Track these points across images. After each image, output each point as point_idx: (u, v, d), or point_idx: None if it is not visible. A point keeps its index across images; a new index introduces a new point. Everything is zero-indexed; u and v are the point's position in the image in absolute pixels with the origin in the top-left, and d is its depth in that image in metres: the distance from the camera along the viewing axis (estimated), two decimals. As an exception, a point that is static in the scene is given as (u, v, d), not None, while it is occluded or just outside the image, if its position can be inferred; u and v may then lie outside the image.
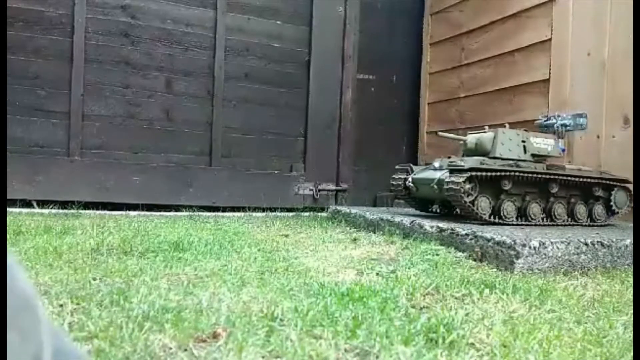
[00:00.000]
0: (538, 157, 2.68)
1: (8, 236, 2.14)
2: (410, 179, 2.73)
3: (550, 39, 3.35)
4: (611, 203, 2.64)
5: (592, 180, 2.58)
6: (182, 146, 3.75)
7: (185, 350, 1.03)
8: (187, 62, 3.76)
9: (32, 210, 3.19)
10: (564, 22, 3.27)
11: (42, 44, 3.38)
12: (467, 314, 1.31)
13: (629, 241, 2.07)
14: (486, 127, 2.69)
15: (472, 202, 2.38)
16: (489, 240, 2.00)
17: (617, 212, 2.67)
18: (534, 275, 1.83)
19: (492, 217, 2.43)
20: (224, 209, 3.76)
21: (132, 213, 3.31)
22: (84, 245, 2.03)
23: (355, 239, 2.51)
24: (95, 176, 3.47)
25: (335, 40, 4.19)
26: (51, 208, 3.22)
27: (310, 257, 2.04)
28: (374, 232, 2.71)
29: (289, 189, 4.03)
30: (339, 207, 3.42)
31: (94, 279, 1.52)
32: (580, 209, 2.62)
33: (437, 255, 2.05)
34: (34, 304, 0.46)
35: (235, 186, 3.84)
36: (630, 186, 2.68)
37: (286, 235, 2.62)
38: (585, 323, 1.32)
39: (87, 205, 3.34)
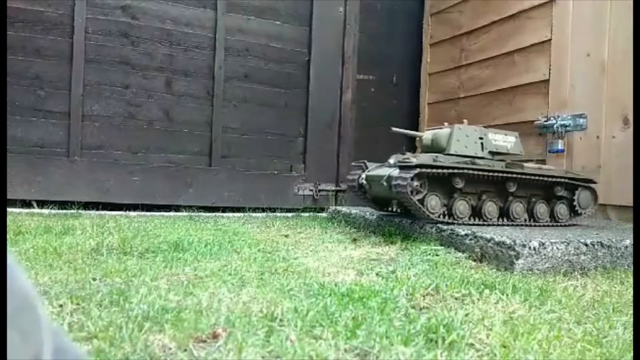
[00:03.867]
0: (498, 155, 2.59)
1: (7, 236, 2.14)
2: (363, 177, 2.63)
3: (550, 40, 3.36)
4: (574, 203, 2.56)
5: (551, 180, 2.49)
6: (181, 146, 3.75)
7: (185, 350, 1.03)
8: (187, 62, 3.76)
9: (32, 210, 3.19)
10: (564, 22, 3.27)
11: (42, 44, 3.38)
12: (467, 315, 1.31)
13: (628, 241, 2.07)
14: (445, 124, 2.61)
15: (421, 201, 2.30)
16: (488, 241, 2.00)
17: (581, 213, 2.59)
18: (533, 276, 1.83)
19: (444, 216, 2.34)
20: (224, 209, 3.76)
21: (132, 213, 3.31)
22: (83, 245, 2.03)
23: (355, 240, 2.51)
24: (95, 176, 3.46)
25: (335, 40, 4.19)
26: (51, 208, 3.22)
27: (310, 257, 2.04)
28: (374, 233, 2.71)
29: (289, 189, 4.03)
30: (338, 208, 3.42)
31: (94, 279, 1.52)
32: (541, 209, 2.52)
33: (437, 255, 2.05)
34: (34, 304, 0.46)
35: (235, 186, 3.84)
36: (596, 187, 2.63)
37: (286, 236, 2.62)
38: (585, 323, 1.32)
39: (87, 206, 3.33)
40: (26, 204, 3.27)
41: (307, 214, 3.75)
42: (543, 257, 1.90)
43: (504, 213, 2.47)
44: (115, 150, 3.58)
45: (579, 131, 3.15)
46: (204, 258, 1.92)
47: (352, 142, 4.29)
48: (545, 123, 3.30)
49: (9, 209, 3.07)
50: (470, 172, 2.32)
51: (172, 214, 3.44)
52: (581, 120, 3.13)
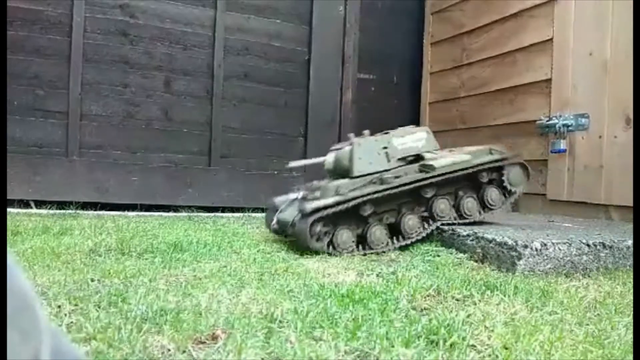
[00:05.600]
0: (411, 158, 2.32)
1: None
2: (275, 221, 2.35)
3: (551, 39, 3.35)
4: (505, 184, 2.37)
5: (464, 172, 2.27)
6: (181, 146, 3.74)
7: (184, 351, 1.02)
8: (186, 61, 3.75)
9: (30, 210, 3.18)
10: (566, 22, 3.26)
11: (40, 44, 3.37)
12: (468, 316, 1.30)
13: (630, 242, 2.06)
14: (351, 135, 2.34)
15: (329, 243, 2.10)
16: (490, 242, 1.99)
17: (514, 192, 2.38)
18: (535, 277, 1.82)
19: (358, 247, 2.14)
20: (223, 210, 3.74)
21: (131, 213, 3.30)
22: (82, 245, 2.02)
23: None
24: (93, 176, 3.45)
25: (335, 40, 4.18)
26: (49, 208, 3.21)
27: (310, 258, 2.03)
28: (374, 233, 2.69)
29: (289, 189, 4.01)
30: (338, 208, 3.40)
31: (92, 280, 1.51)
32: (468, 203, 2.33)
33: (438, 256, 2.05)
34: (33, 304, 0.46)
35: (235, 186, 3.83)
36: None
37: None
38: (587, 325, 1.32)
39: (85, 206, 3.32)
40: (24, 204, 3.26)
41: (307, 214, 3.73)
42: (545, 257, 1.89)
43: (430, 216, 2.27)
44: (114, 150, 3.57)
45: (581, 131, 3.14)
46: (203, 259, 1.91)
47: (352, 142, 4.28)
48: (547, 123, 3.29)
49: (7, 209, 3.06)
50: (375, 196, 2.11)
51: (171, 214, 3.43)
52: (583, 120, 3.12)
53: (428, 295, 1.49)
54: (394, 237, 2.21)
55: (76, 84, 3.44)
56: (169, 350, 1.02)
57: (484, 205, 2.38)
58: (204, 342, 1.06)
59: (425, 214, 2.28)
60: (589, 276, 1.89)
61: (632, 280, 1.81)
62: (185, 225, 2.75)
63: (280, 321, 1.19)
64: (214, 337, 1.08)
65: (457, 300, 1.47)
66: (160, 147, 3.69)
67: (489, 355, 1.07)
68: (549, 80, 3.36)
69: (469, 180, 2.36)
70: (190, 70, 3.76)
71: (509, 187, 2.37)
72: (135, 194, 3.55)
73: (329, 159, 2.39)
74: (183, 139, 3.75)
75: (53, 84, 3.40)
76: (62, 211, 3.14)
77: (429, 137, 2.38)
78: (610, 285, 1.75)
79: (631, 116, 2.84)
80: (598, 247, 1.99)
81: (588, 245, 1.97)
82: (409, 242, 2.20)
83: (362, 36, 4.30)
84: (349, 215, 2.14)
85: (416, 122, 4.66)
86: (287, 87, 4.05)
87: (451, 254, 2.07)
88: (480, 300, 1.46)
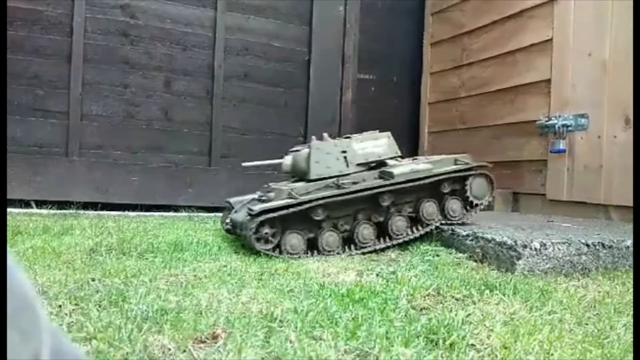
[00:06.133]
0: (373, 164, 2.25)
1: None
2: (229, 221, 2.27)
3: (551, 39, 3.35)
4: (467, 195, 2.28)
5: (424, 181, 2.19)
6: (181, 146, 3.74)
7: (184, 351, 1.03)
8: (186, 61, 3.75)
9: (31, 210, 3.18)
10: (565, 22, 3.26)
11: (40, 44, 3.37)
12: (467, 315, 1.31)
13: (630, 242, 2.06)
14: (313, 137, 2.30)
15: (276, 247, 2.04)
16: (489, 241, 1.99)
17: (478, 205, 2.30)
18: (534, 277, 1.82)
19: (308, 252, 2.07)
20: (223, 210, 3.74)
21: (131, 213, 3.30)
22: (82, 245, 2.03)
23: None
24: (93, 176, 3.45)
25: (335, 40, 4.18)
26: (49, 208, 3.21)
27: (310, 258, 2.03)
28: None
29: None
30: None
31: (93, 280, 1.51)
32: (429, 209, 2.23)
33: (438, 256, 2.05)
34: (34, 304, 0.46)
35: (235, 186, 3.83)
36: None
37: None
38: (586, 324, 1.32)
39: (86, 206, 3.32)
40: (25, 203, 3.26)
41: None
42: (544, 257, 1.89)
43: (384, 226, 2.20)
44: (115, 150, 3.57)
45: (581, 131, 3.14)
46: (203, 258, 1.91)
47: (352, 142, 4.28)
48: (546, 123, 3.29)
49: (7, 209, 3.06)
50: (328, 200, 2.06)
51: (171, 214, 3.43)
52: (583, 120, 3.12)
53: (427, 295, 1.49)
54: (348, 245, 2.14)
55: (76, 84, 3.44)
56: (170, 349, 1.02)
57: (445, 216, 2.28)
58: (205, 342, 1.07)
59: (380, 218, 2.19)
60: (588, 276, 1.89)
61: (631, 280, 1.81)
62: (185, 225, 2.75)
63: (280, 320, 1.19)
64: (214, 337, 1.08)
65: (457, 299, 1.48)
66: (161, 147, 3.70)
67: (489, 355, 1.08)
68: (548, 80, 3.37)
69: (430, 190, 2.27)
70: (191, 71, 3.76)
71: (471, 198, 2.29)
72: (136, 194, 3.55)
73: (287, 161, 2.34)
74: (183, 139, 3.76)
75: (53, 84, 3.41)
76: (63, 211, 3.15)
77: (390, 143, 2.31)
78: (610, 285, 1.75)
79: (631, 116, 2.84)
80: (597, 247, 1.99)
81: (587, 245, 1.97)
82: (364, 250, 2.13)
83: (362, 36, 4.30)
84: (301, 219, 2.08)
85: (416, 122, 4.67)
86: (287, 87, 4.05)
87: (450, 253, 2.08)
88: (479, 300, 1.46)
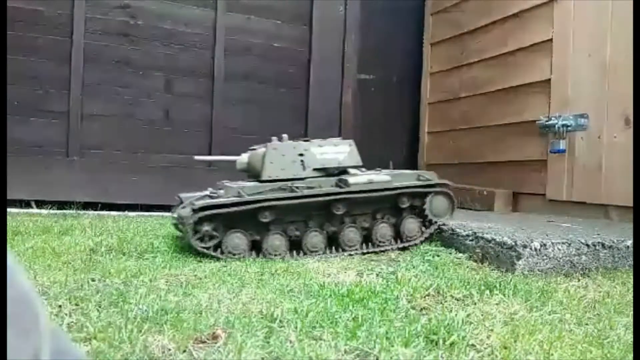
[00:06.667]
0: (327, 171, 2.18)
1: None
2: (176, 216, 2.15)
3: (551, 39, 3.35)
4: (426, 212, 2.21)
5: (381, 193, 2.11)
6: (181, 146, 3.74)
7: (185, 351, 1.03)
8: (186, 62, 3.75)
9: (31, 210, 3.18)
10: (565, 22, 3.26)
11: (41, 44, 3.37)
12: (467, 315, 1.31)
13: (629, 242, 2.06)
14: (273, 139, 2.24)
15: (217, 246, 1.96)
16: (489, 241, 1.99)
17: (435, 222, 2.22)
18: (534, 277, 1.82)
19: (251, 253, 2.00)
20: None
21: (131, 213, 3.30)
22: (82, 245, 2.03)
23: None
24: (94, 176, 3.45)
25: (335, 40, 4.18)
26: (50, 208, 3.21)
27: (310, 257, 2.03)
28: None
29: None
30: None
31: (93, 280, 1.51)
32: (382, 229, 2.17)
33: (438, 256, 2.05)
34: (34, 304, 0.46)
35: (235, 186, 3.83)
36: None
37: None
38: (586, 324, 1.32)
39: (86, 206, 3.32)
40: (25, 204, 3.26)
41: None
42: (544, 257, 1.89)
43: (337, 239, 2.12)
44: (115, 150, 3.57)
45: (581, 131, 3.14)
46: (204, 258, 1.91)
47: (352, 142, 4.28)
48: (546, 123, 3.29)
49: (7, 209, 3.06)
50: (277, 203, 1.98)
51: (171, 214, 3.43)
52: (583, 120, 3.12)
53: (428, 295, 1.49)
54: (297, 250, 2.07)
55: (77, 84, 3.44)
56: (170, 349, 1.02)
57: (399, 235, 2.20)
58: (205, 342, 1.07)
59: (334, 228, 2.11)
60: (588, 276, 1.89)
61: (631, 280, 1.81)
62: (185, 225, 2.74)
63: (280, 321, 1.19)
64: (215, 337, 1.08)
65: (457, 299, 1.48)
66: (161, 147, 3.70)
67: (489, 355, 1.08)
68: (548, 80, 3.37)
69: (387, 203, 2.19)
70: (191, 71, 3.77)
71: (430, 216, 2.21)
72: (136, 194, 3.55)
73: (242, 159, 2.30)
74: (183, 139, 3.76)
75: (54, 85, 3.41)
76: (63, 211, 3.15)
77: (351, 151, 2.23)
78: (610, 285, 1.75)
79: (631, 116, 2.84)
80: (597, 247, 1.99)
81: (587, 245, 1.97)
82: (311, 257, 2.04)
83: (362, 36, 4.30)
84: (248, 219, 2.00)
85: (416, 122, 4.67)
86: (287, 87, 4.05)
87: (451, 253, 2.08)
88: (479, 300, 1.46)
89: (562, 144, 3.21)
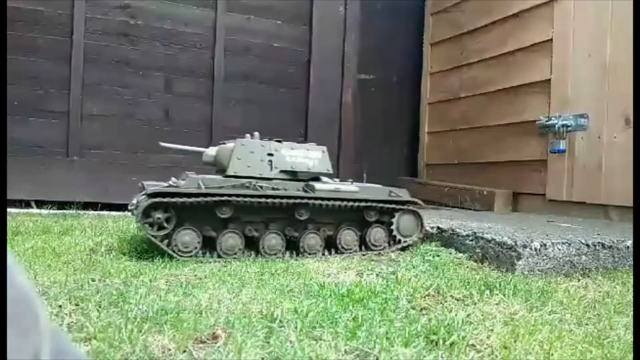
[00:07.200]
0: (295, 174, 2.13)
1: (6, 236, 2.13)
2: (135, 202, 2.05)
3: (551, 39, 3.35)
4: (393, 229, 2.16)
5: (346, 204, 2.05)
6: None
7: (185, 351, 1.03)
8: (186, 62, 3.75)
9: (31, 210, 3.18)
10: (565, 22, 3.26)
11: (41, 44, 3.37)
12: (467, 316, 1.31)
13: (630, 242, 2.06)
14: (247, 136, 2.18)
15: (166, 237, 1.88)
16: (489, 241, 1.99)
17: (402, 241, 2.17)
18: (534, 277, 1.82)
19: (204, 253, 1.93)
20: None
21: (132, 213, 3.30)
22: (82, 245, 2.03)
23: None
24: (94, 176, 3.46)
25: (335, 40, 4.18)
26: (50, 208, 3.21)
27: (310, 257, 2.03)
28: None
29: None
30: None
31: (93, 280, 1.51)
32: (347, 236, 2.12)
33: (438, 256, 2.05)
34: (34, 304, 0.46)
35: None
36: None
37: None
38: (586, 324, 1.32)
39: (86, 206, 3.33)
40: (25, 204, 3.26)
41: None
42: (544, 257, 1.89)
43: (298, 244, 2.06)
44: (115, 150, 3.57)
45: (581, 131, 3.14)
46: (204, 259, 1.91)
47: (352, 142, 4.28)
48: (546, 123, 3.30)
49: (7, 209, 3.06)
50: (236, 199, 1.91)
51: (171, 213, 3.43)
52: (583, 120, 3.12)
53: (428, 295, 1.49)
54: (256, 251, 2.01)
55: (77, 84, 3.44)
56: (170, 349, 1.02)
57: (367, 246, 2.16)
58: (205, 342, 1.07)
59: (297, 233, 2.06)
60: (588, 276, 1.89)
61: (631, 280, 1.81)
62: (185, 225, 2.74)
63: (280, 321, 1.19)
64: (215, 337, 1.08)
65: (457, 300, 1.48)
66: (161, 147, 3.69)
67: (489, 355, 1.08)
68: (548, 80, 3.37)
69: (354, 215, 2.13)
70: (191, 71, 3.77)
71: (396, 233, 2.17)
72: (136, 194, 3.55)
73: (209, 152, 2.25)
74: (183, 139, 3.75)
75: (53, 84, 3.41)
76: (63, 211, 3.15)
77: (323, 158, 2.18)
78: (610, 285, 1.75)
79: (631, 116, 2.84)
80: (597, 247, 1.99)
81: (587, 245, 1.97)
82: (268, 258, 1.98)
83: (362, 36, 4.31)
84: (204, 213, 1.93)
85: (416, 122, 4.67)
86: (288, 88, 4.05)
87: (451, 253, 2.07)
88: (479, 300, 1.46)
89: (562, 144, 3.21)
